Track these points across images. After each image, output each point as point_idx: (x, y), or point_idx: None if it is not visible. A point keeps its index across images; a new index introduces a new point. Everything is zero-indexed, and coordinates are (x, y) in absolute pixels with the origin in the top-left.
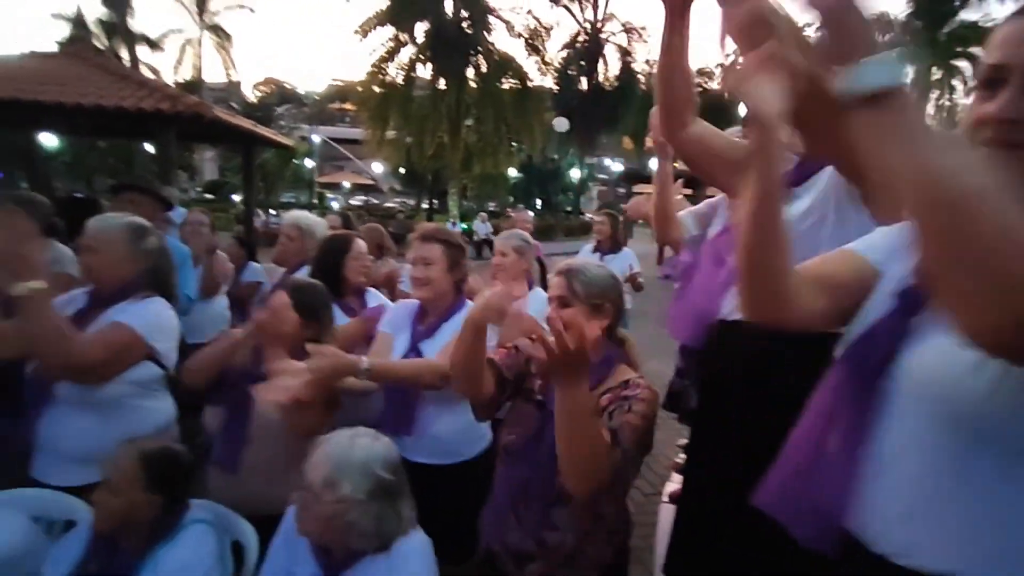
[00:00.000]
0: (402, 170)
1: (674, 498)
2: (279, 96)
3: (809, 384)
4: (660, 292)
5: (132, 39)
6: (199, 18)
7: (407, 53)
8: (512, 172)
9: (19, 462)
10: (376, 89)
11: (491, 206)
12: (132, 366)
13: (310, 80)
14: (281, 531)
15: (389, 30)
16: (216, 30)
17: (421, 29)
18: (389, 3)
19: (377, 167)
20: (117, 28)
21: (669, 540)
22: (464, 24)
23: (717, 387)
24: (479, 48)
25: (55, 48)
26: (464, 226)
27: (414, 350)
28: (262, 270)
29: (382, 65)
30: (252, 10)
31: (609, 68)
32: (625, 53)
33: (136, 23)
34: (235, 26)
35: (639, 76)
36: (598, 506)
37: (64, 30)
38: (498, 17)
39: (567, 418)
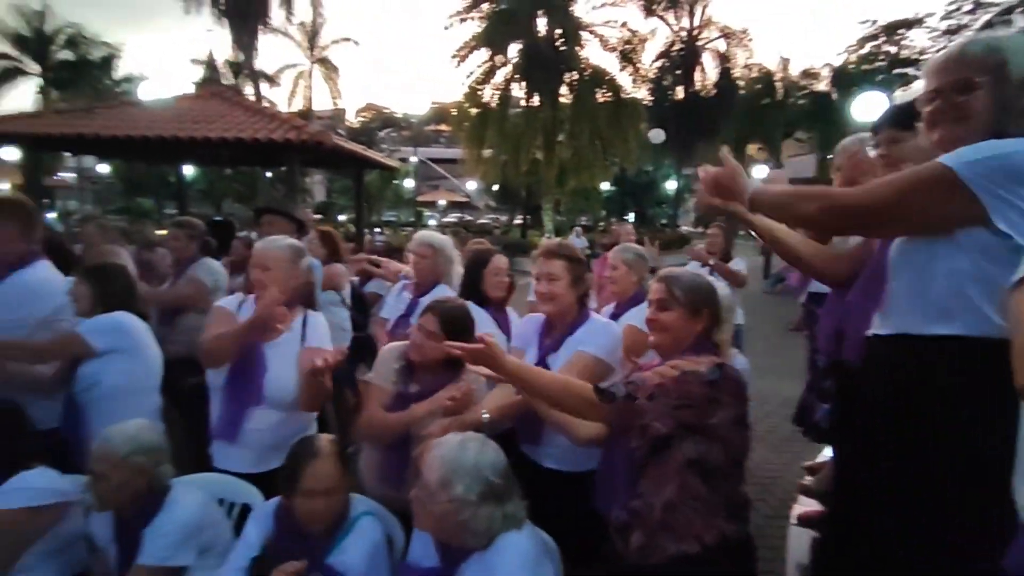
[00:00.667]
0: (496, 187)
1: (804, 520)
2: (381, 121)
3: (969, 410)
4: (768, 308)
5: (256, 76)
6: (310, 53)
7: (502, 74)
8: (605, 186)
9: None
10: (472, 110)
11: (584, 220)
12: None
13: (409, 104)
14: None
15: (484, 53)
16: (324, 63)
17: (514, 50)
18: (483, 28)
19: (471, 185)
20: (242, 67)
21: (812, 567)
22: (557, 42)
23: (869, 405)
24: (572, 64)
25: (192, 88)
26: None
27: (542, 363)
28: (382, 284)
29: (478, 87)
30: (356, 42)
31: (707, 75)
32: (724, 59)
33: (257, 62)
34: (341, 58)
35: (739, 81)
36: (677, 473)
37: (199, 72)
38: (591, 32)
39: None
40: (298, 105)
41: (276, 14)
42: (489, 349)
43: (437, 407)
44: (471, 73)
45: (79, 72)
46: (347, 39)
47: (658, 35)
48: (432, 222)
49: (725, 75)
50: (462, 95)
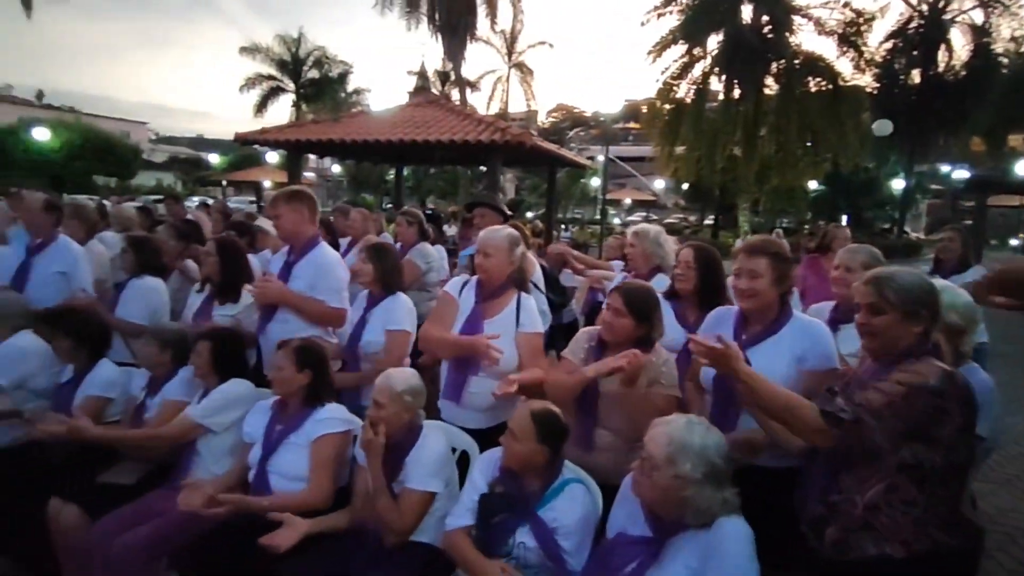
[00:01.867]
0: (686, 185)
1: None
2: (571, 120)
3: None
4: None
5: (461, 83)
6: (508, 58)
7: (699, 68)
8: (813, 184)
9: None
10: (666, 106)
11: (785, 222)
12: None
13: (599, 103)
14: (620, 493)
15: (680, 48)
16: (521, 67)
17: (714, 41)
18: (681, 21)
19: (659, 183)
20: (449, 76)
21: None
22: (764, 30)
23: None
24: (780, 52)
25: (405, 96)
26: None
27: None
28: (570, 276)
29: (673, 82)
30: (551, 45)
31: (954, 54)
32: (980, 32)
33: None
34: (536, 61)
35: (1000, 59)
36: (887, 474)
37: (412, 82)
38: (805, 16)
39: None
40: (495, 108)
41: (482, 24)
42: (728, 350)
43: (607, 368)
44: (666, 69)
45: (322, 87)
46: (543, 43)
47: (889, 13)
48: (616, 220)
49: (981, 52)
50: (655, 92)
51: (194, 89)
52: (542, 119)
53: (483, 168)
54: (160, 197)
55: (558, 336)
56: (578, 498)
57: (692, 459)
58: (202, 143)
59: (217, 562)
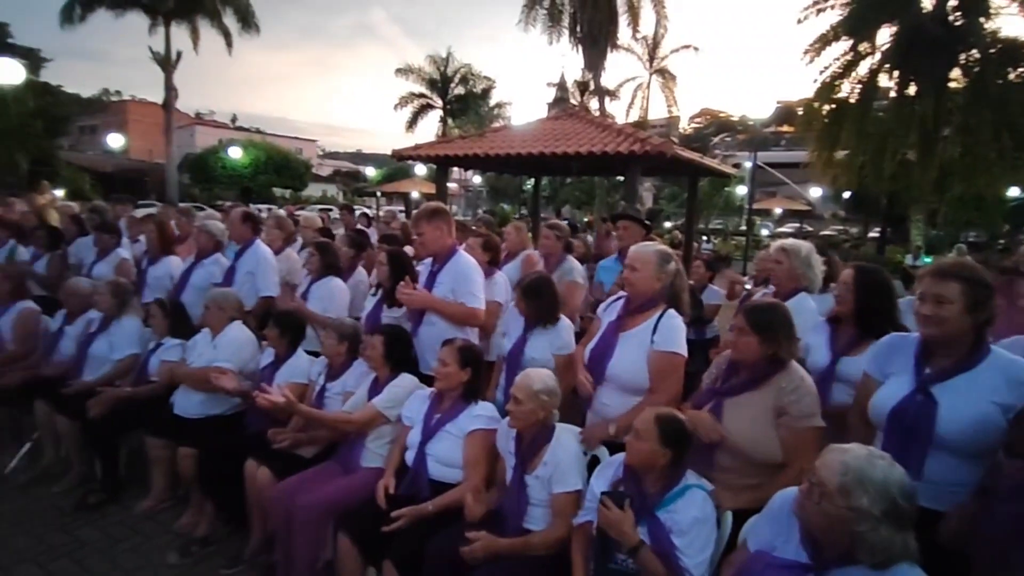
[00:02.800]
0: (847, 194)
1: None
2: (715, 126)
3: None
4: None
5: (600, 93)
6: (649, 65)
7: (866, 64)
8: (1014, 191)
9: None
10: (824, 108)
11: (971, 235)
12: None
13: (747, 107)
14: (769, 509)
15: (843, 45)
16: (663, 73)
17: (885, 35)
18: (845, 15)
19: (815, 191)
20: (588, 85)
21: None
22: (950, 16)
23: None
24: (972, 40)
25: (544, 108)
26: (928, 259)
27: (921, 392)
28: (721, 293)
29: (835, 82)
30: (696, 48)
31: None
32: None
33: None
34: (679, 66)
35: None
36: None
37: (551, 93)
38: None
39: None
40: (634, 116)
41: (623, 33)
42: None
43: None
44: (825, 68)
45: (467, 102)
46: (687, 46)
47: None
48: (765, 231)
49: None
50: (813, 92)
51: (356, 108)
52: (684, 125)
53: (621, 178)
54: (326, 207)
55: (698, 353)
56: (696, 502)
57: (871, 494)
58: (361, 157)
59: (375, 528)
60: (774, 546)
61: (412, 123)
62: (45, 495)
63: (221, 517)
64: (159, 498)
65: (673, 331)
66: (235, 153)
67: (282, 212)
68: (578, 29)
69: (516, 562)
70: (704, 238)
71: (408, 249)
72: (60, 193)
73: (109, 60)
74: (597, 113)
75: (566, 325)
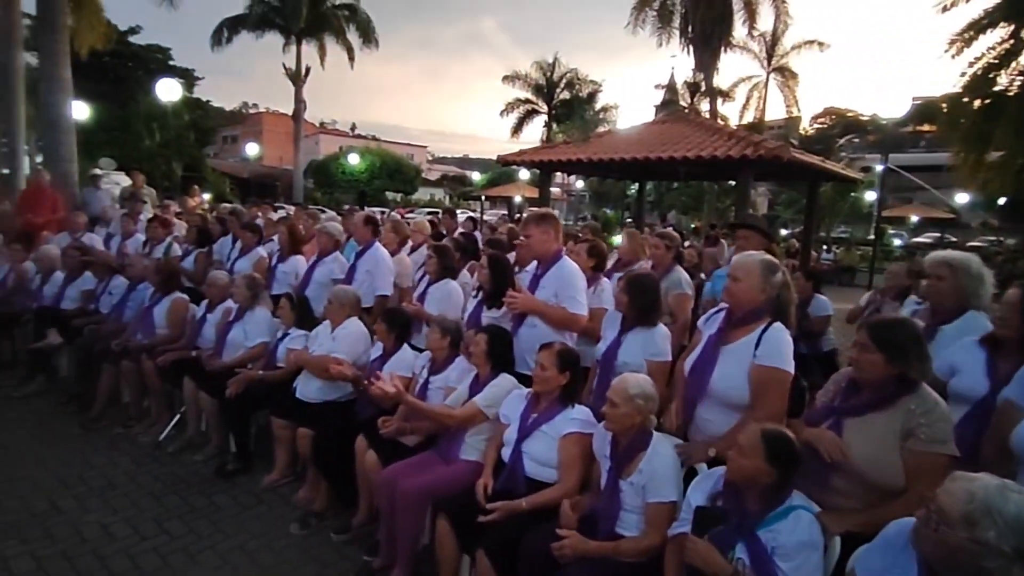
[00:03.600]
0: (1002, 200)
1: None
2: (842, 126)
3: None
4: None
5: (712, 94)
6: (767, 63)
7: None
8: None
9: None
10: (975, 103)
11: None
12: None
13: (879, 105)
14: (882, 538)
15: (999, 32)
16: (782, 71)
17: None
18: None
19: (960, 197)
20: (700, 87)
21: None
22: None
23: None
24: None
25: (652, 111)
26: None
27: None
28: (828, 303)
29: (990, 74)
30: (821, 44)
31: None
32: None
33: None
34: (802, 63)
35: None
36: None
37: (659, 96)
38: None
39: None
40: (750, 117)
41: (738, 31)
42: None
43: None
44: (977, 59)
45: (571, 107)
46: (810, 42)
47: None
48: (898, 241)
49: None
50: (960, 86)
51: (464, 115)
52: (805, 126)
53: (732, 183)
54: (433, 210)
55: (813, 367)
56: (803, 524)
57: (1000, 527)
58: (467, 162)
59: (471, 518)
60: (886, 572)
61: (517, 129)
62: (189, 462)
63: (333, 493)
64: (282, 472)
65: (778, 345)
66: (353, 159)
67: (398, 217)
68: (690, 29)
69: (607, 565)
70: (825, 247)
71: (511, 255)
72: (207, 196)
73: (249, 76)
74: (708, 115)
75: (663, 332)
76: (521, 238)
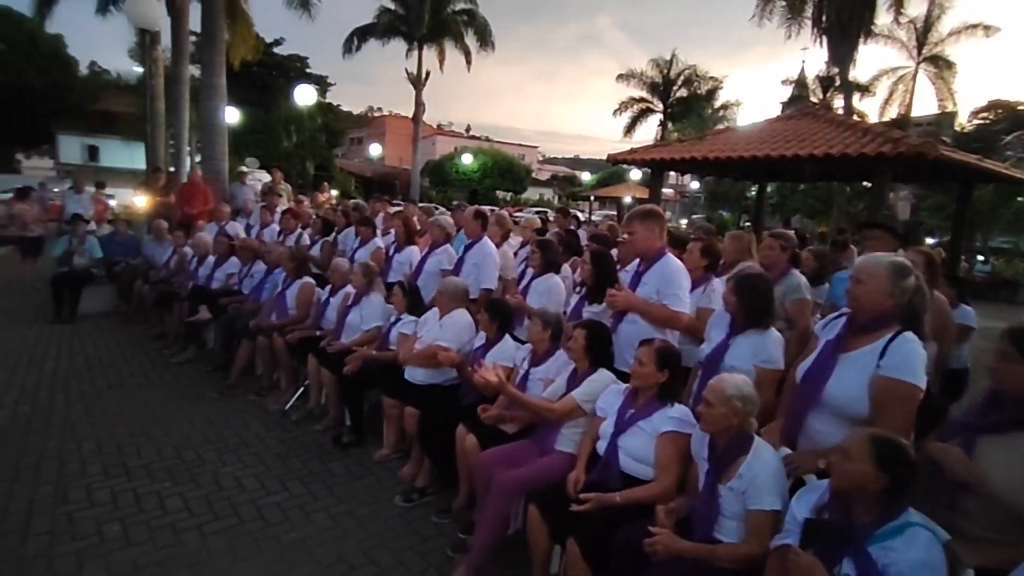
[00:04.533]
0: None
1: None
2: (1010, 121)
3: None
4: None
5: (848, 88)
6: (917, 53)
7: None
8: None
9: None
10: None
11: None
12: None
13: None
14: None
15: None
16: (934, 60)
17: None
18: None
19: None
20: (834, 81)
21: None
22: None
23: None
24: None
25: (778, 109)
26: None
27: None
28: (973, 314)
29: None
30: (987, 28)
31: None
32: None
33: (851, 73)
34: (961, 51)
35: None
36: None
37: (787, 92)
38: None
39: None
40: (892, 113)
41: (882, 18)
42: None
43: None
44: None
45: (689, 105)
46: (973, 26)
47: None
48: None
49: None
50: None
51: (576, 115)
52: (963, 121)
53: (867, 184)
54: (541, 210)
55: (943, 384)
56: (920, 544)
57: None
58: (578, 163)
59: (563, 508)
60: None
61: (630, 128)
62: (310, 430)
63: (435, 472)
64: (391, 448)
65: (908, 356)
66: (466, 159)
67: (504, 212)
68: (824, 18)
69: (699, 569)
70: (980, 257)
71: (614, 252)
72: (334, 193)
73: (374, 82)
74: (842, 112)
75: (776, 337)
76: (624, 235)
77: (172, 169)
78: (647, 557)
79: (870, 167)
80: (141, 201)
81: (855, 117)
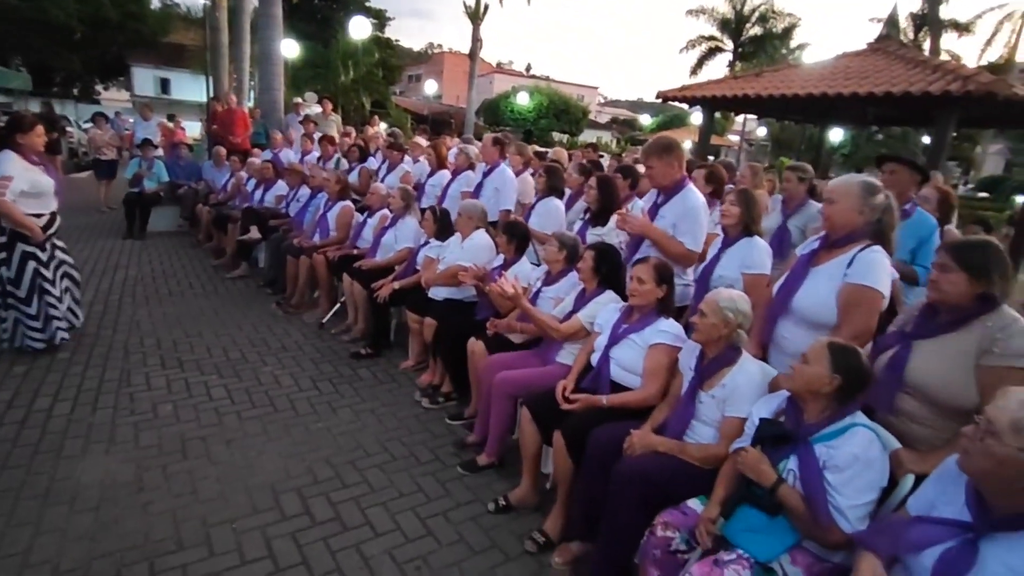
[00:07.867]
0: None
1: None
2: None
3: None
4: None
5: (939, 26)
6: None
7: None
8: None
9: None
10: None
11: None
12: None
13: None
14: (937, 470)
15: None
16: None
17: None
18: None
19: None
20: (926, 19)
21: None
22: None
23: None
24: None
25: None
26: None
27: None
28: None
29: None
30: None
31: None
32: None
33: (947, 10)
34: None
35: None
36: None
37: (876, 31)
38: None
39: None
40: (993, 56)
41: None
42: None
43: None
44: None
45: (762, 44)
46: None
47: None
48: None
49: None
50: None
51: (641, 55)
52: None
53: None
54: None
55: None
56: (859, 440)
57: None
58: (640, 106)
59: (553, 411)
60: (935, 507)
61: (697, 67)
62: (343, 341)
63: (451, 380)
64: (415, 359)
65: (871, 265)
66: (522, 99)
67: (524, 144)
68: None
69: (667, 462)
70: None
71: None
72: (383, 127)
73: (434, 17)
74: (929, 53)
75: (762, 245)
76: (643, 169)
77: (234, 100)
78: (618, 451)
79: (933, 107)
80: (195, 130)
81: (944, 58)
